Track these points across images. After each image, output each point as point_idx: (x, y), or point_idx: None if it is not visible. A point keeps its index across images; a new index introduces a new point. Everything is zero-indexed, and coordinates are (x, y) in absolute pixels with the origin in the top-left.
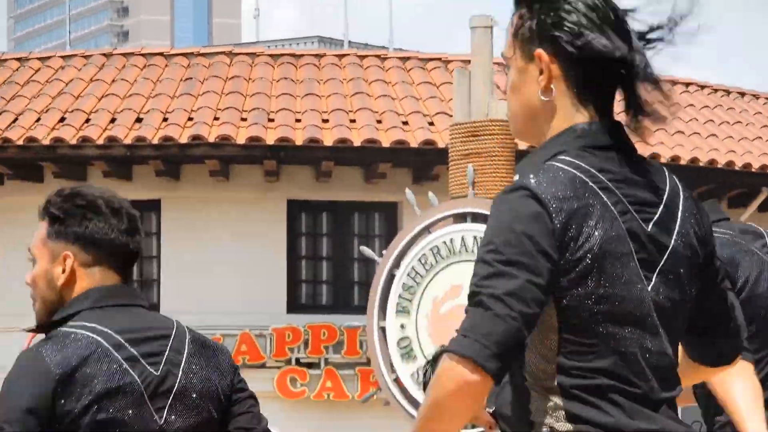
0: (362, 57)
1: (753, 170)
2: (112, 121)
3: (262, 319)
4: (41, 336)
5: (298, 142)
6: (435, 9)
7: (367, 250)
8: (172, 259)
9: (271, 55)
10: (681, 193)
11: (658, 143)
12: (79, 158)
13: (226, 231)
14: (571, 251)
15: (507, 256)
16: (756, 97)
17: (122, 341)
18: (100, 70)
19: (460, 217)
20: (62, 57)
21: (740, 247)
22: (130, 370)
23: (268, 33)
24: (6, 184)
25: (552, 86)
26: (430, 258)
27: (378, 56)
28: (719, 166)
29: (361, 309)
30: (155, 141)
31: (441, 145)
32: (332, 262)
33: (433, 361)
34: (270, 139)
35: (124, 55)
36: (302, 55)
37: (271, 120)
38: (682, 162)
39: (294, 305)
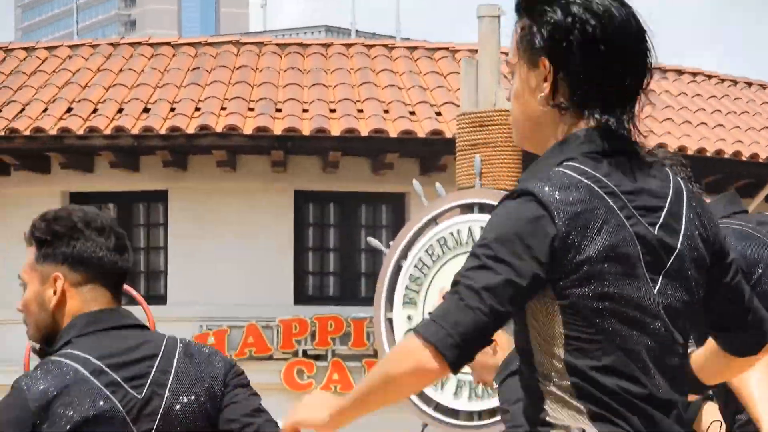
0: (369, 46)
1: (760, 160)
2: (120, 111)
3: (269, 310)
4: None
5: (306, 132)
6: None
7: (374, 241)
8: (179, 250)
9: (278, 45)
10: (685, 195)
11: (665, 133)
12: (86, 149)
13: (233, 222)
14: (575, 254)
15: (495, 253)
16: (763, 87)
17: (103, 367)
18: (108, 60)
19: (467, 208)
20: (69, 46)
21: (757, 239)
22: (111, 396)
23: (276, 22)
24: (13, 175)
25: (556, 93)
26: (437, 249)
27: (385, 46)
28: (726, 156)
29: (368, 300)
30: (162, 131)
31: (448, 135)
32: (339, 253)
33: None
34: (277, 129)
35: (131, 44)
36: (309, 45)
37: (278, 110)
38: (689, 152)
39: (301, 297)
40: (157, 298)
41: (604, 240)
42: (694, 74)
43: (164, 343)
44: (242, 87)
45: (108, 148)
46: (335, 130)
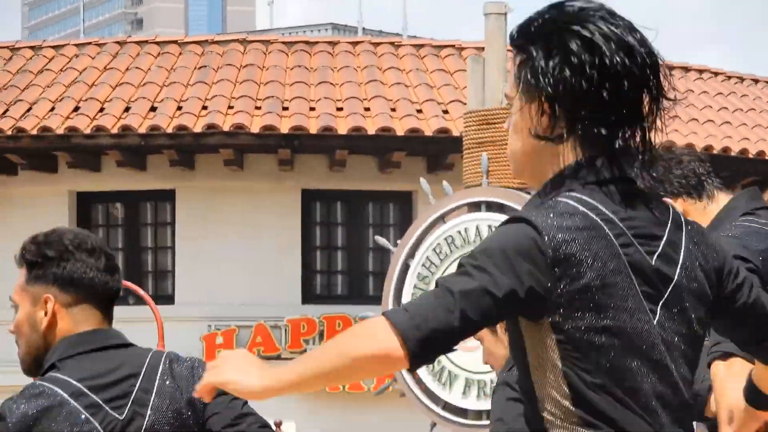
0: (376, 44)
1: (767, 158)
2: (127, 110)
3: (277, 310)
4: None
5: (313, 130)
6: None
7: (381, 240)
8: (186, 249)
9: (285, 43)
10: (684, 226)
11: (672, 131)
12: (93, 148)
13: (240, 221)
14: (568, 282)
15: (479, 263)
16: None
17: (83, 389)
18: (114, 59)
19: (475, 206)
20: (76, 45)
21: None
22: (91, 419)
23: (282, 20)
24: (20, 174)
25: (554, 127)
26: (444, 248)
27: (392, 43)
28: (733, 153)
29: (376, 299)
30: (169, 130)
31: (455, 133)
32: (347, 252)
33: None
34: (284, 127)
35: (138, 43)
36: (316, 43)
37: (285, 108)
38: (696, 150)
39: (309, 296)
40: (165, 298)
41: (599, 269)
42: (701, 71)
43: (147, 360)
44: (249, 85)
45: (115, 147)
46: (342, 129)
